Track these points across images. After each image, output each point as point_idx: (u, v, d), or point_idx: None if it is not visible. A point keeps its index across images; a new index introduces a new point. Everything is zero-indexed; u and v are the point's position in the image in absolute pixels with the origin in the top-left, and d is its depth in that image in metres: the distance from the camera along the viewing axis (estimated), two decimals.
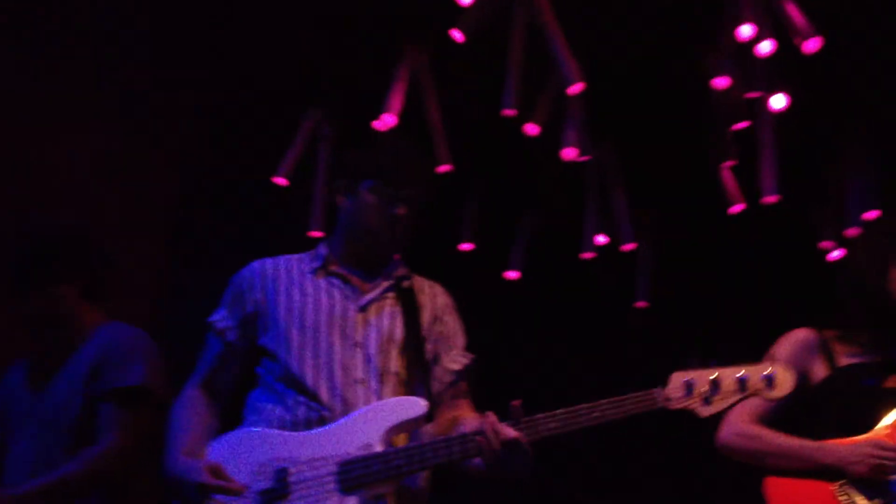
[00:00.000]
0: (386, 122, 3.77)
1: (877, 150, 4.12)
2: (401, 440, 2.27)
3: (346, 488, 2.12)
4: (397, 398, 2.27)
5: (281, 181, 4.08)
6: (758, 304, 4.31)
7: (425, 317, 2.43)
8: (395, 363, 2.34)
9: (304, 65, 3.94)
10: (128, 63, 3.91)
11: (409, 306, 2.41)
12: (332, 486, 2.12)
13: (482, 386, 2.49)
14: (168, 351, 2.82)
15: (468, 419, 2.30)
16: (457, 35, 3.50)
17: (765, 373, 2.09)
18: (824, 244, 4.32)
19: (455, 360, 2.45)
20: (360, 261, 2.43)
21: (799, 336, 2.73)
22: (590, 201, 4.40)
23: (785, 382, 2.11)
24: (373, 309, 2.39)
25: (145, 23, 3.86)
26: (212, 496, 2.14)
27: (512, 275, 4.66)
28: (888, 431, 2.56)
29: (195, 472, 2.17)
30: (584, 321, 4.69)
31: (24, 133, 3.66)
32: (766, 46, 3.47)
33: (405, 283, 2.44)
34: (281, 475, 2.16)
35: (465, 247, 4.59)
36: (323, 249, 2.46)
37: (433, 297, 2.49)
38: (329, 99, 4.11)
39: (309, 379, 2.27)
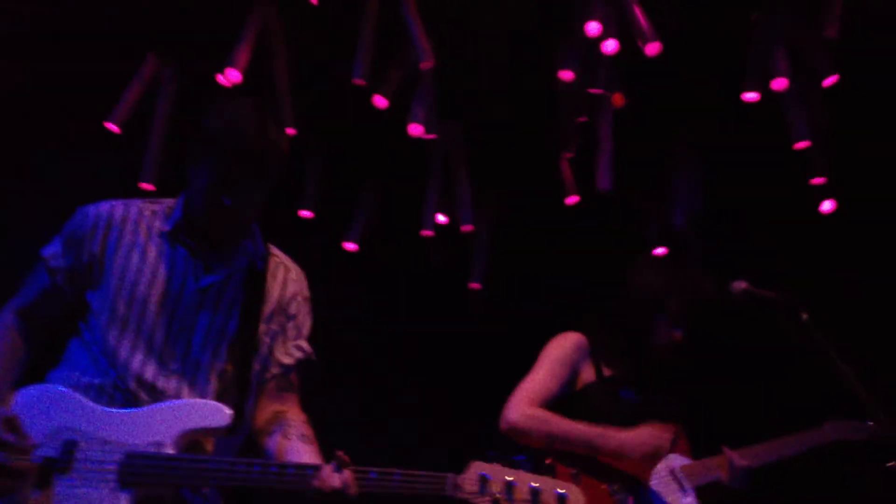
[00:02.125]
0: (230, 77, 3.66)
1: (704, 150, 4.34)
2: (207, 444, 2.20)
3: (123, 482, 2.06)
4: (202, 402, 2.19)
5: (113, 127, 3.89)
6: (582, 291, 4.46)
7: (267, 307, 2.33)
8: (220, 357, 2.25)
9: (151, 8, 3.76)
10: None
11: (253, 295, 2.31)
12: (111, 475, 2.07)
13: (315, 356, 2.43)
14: None
15: (291, 452, 2.20)
16: None
17: (559, 490, 2.00)
18: (651, 236, 4.53)
19: (289, 352, 2.37)
20: (208, 234, 2.29)
21: (573, 338, 2.94)
22: (432, 180, 4.43)
23: None
24: (212, 292, 2.28)
25: None
26: None
27: (350, 246, 4.64)
28: (653, 430, 2.77)
29: None
30: (418, 298, 4.73)
31: None
32: (610, 45, 3.59)
33: (258, 267, 2.33)
34: (69, 447, 2.10)
35: (305, 214, 4.53)
36: (178, 212, 2.30)
37: (283, 285, 2.39)
38: (173, 46, 3.95)
39: (122, 357, 2.19)
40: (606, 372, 2.93)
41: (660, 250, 4.48)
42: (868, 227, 4.25)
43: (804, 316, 2.54)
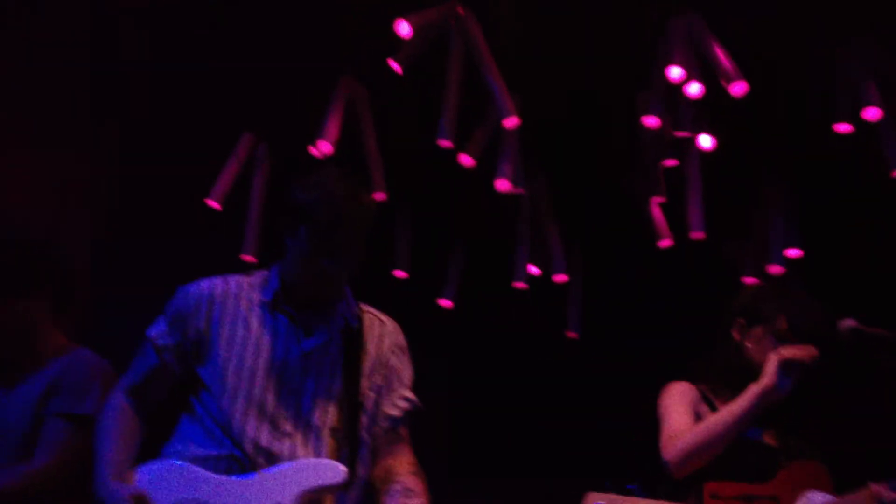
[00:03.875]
0: (322, 148, 3.78)
1: (798, 190, 4.27)
2: (327, 501, 2.24)
3: None
4: (317, 461, 2.23)
5: (214, 204, 4.05)
6: (682, 337, 4.40)
7: (368, 364, 2.39)
8: (330, 417, 2.30)
9: (242, 88, 3.93)
10: (63, 78, 3.86)
11: (353, 354, 2.37)
12: None
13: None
14: None
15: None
16: (395, 65, 3.54)
17: None
18: (747, 280, 4.45)
19: (395, 404, 2.42)
20: (308, 300, 2.38)
21: (683, 387, 2.83)
22: (522, 233, 4.46)
23: None
24: (315, 354, 2.34)
25: (86, 36, 3.80)
26: None
27: (445, 303, 4.69)
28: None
29: (119, 501, 2.17)
30: (515, 349, 4.75)
31: None
32: (694, 88, 3.58)
33: (354, 325, 2.40)
34: None
35: (400, 274, 4.61)
36: (274, 282, 2.39)
37: (380, 339, 2.45)
38: (265, 123, 4.11)
39: (237, 426, 2.25)
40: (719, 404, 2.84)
41: None
42: None
43: None
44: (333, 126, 3.76)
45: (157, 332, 2.39)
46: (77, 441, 2.65)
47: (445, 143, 3.66)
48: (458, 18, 3.59)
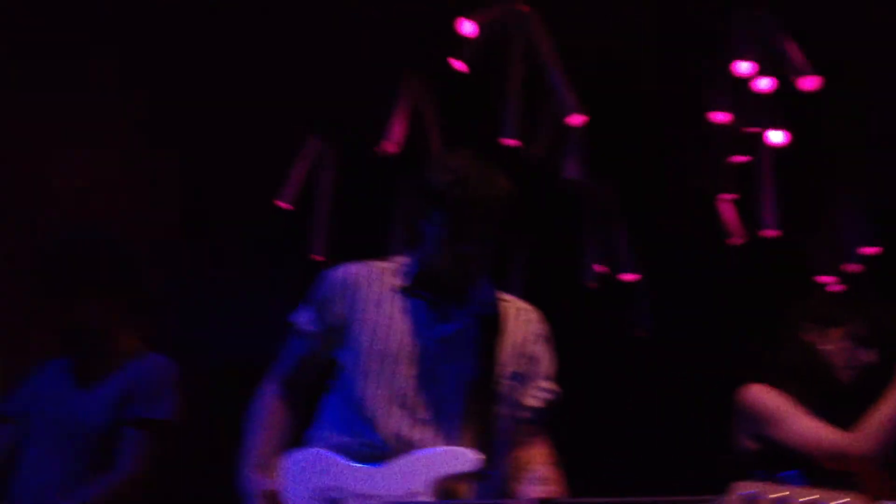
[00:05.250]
0: (387, 149, 3.81)
1: (874, 185, 4.14)
2: (463, 489, 2.23)
3: None
4: (452, 449, 2.23)
5: (284, 205, 4.12)
6: (755, 336, 4.32)
7: (507, 351, 2.35)
8: (468, 404, 2.28)
9: (306, 90, 3.98)
10: (132, 85, 3.97)
11: (491, 339, 2.33)
12: None
13: None
14: None
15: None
16: (458, 65, 3.55)
17: (840, 501, 1.80)
18: (823, 278, 4.33)
19: (534, 395, 2.38)
20: (445, 285, 2.35)
21: (764, 388, 2.77)
22: (588, 232, 4.42)
23: None
24: (452, 340, 2.32)
25: (151, 46, 3.90)
26: None
27: None
28: None
29: (253, 497, 2.24)
30: (584, 349, 4.70)
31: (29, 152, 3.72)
32: (764, 83, 3.51)
33: (491, 311, 2.37)
34: None
35: None
36: (412, 267, 2.38)
37: (521, 326, 2.40)
38: (331, 125, 4.16)
39: (375, 412, 2.26)
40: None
41: (835, 289, 4.29)
42: None
43: None
44: (399, 126, 3.79)
45: (302, 319, 2.42)
46: (155, 447, 2.73)
47: (510, 142, 3.66)
48: (521, 15, 3.59)
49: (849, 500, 1.80)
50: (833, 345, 2.75)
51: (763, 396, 2.77)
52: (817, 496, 1.81)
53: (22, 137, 3.70)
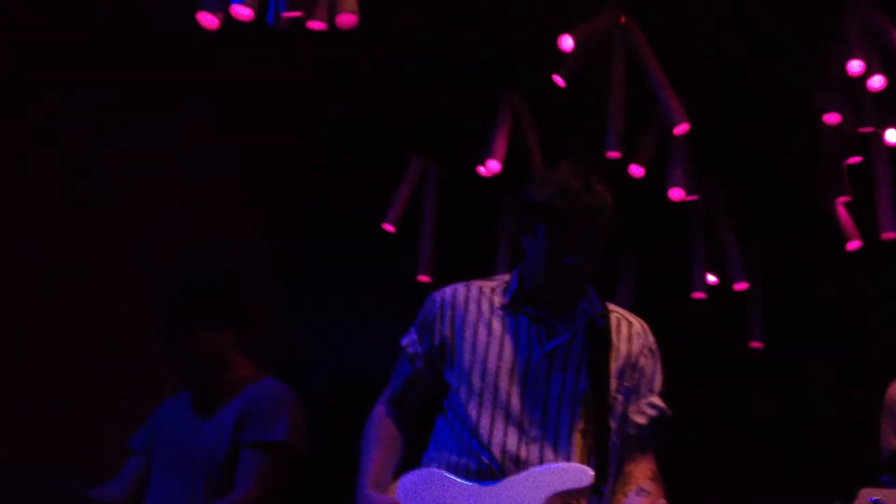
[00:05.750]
0: (490, 167, 3.82)
1: None
2: None
3: None
4: (564, 465, 2.22)
5: (389, 227, 4.17)
6: (877, 343, 4.16)
7: (616, 364, 2.33)
8: (577, 419, 2.27)
9: (408, 109, 4.03)
10: (236, 114, 4.07)
11: (599, 352, 2.31)
12: None
13: None
14: None
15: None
16: (558, 80, 3.54)
17: None
18: None
19: (642, 410, 2.35)
20: (549, 300, 2.35)
21: None
22: (697, 240, 4.34)
23: None
24: (559, 355, 2.32)
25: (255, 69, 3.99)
26: None
27: None
28: None
29: None
30: (697, 361, 4.61)
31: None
32: (877, 81, 3.39)
33: (599, 324, 2.35)
34: None
35: None
36: (514, 283, 2.39)
37: (629, 339, 2.37)
38: (433, 145, 4.20)
39: (484, 430, 2.27)
40: None
41: None
42: None
43: None
44: (501, 143, 3.80)
45: (409, 340, 2.46)
46: (272, 468, 2.77)
47: (614, 154, 3.62)
48: (621, 27, 3.56)
49: None
50: None
51: None
52: None
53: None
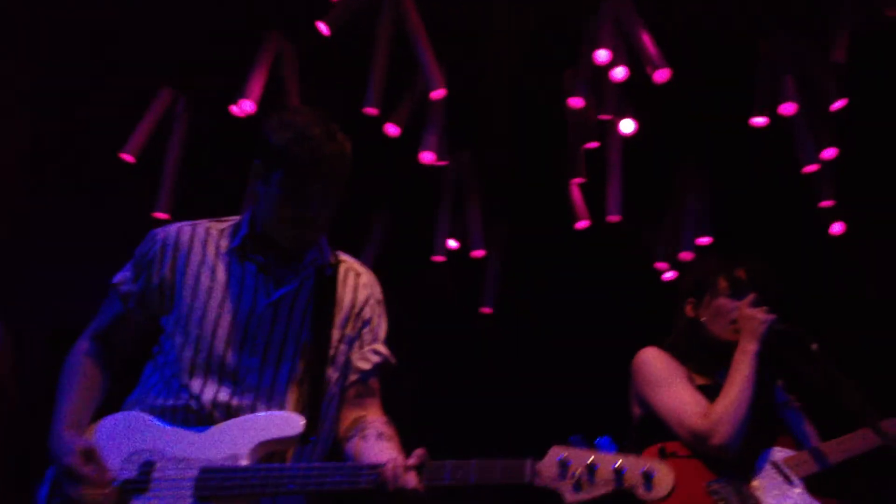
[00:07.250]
0: (244, 107, 3.70)
1: (712, 178, 4.36)
2: (289, 453, 2.19)
3: (200, 496, 2.07)
4: (275, 413, 2.18)
5: (128, 157, 3.93)
6: (596, 316, 4.48)
7: (340, 314, 2.30)
8: (295, 369, 2.22)
9: (161, 40, 3.81)
10: None
11: (324, 303, 2.27)
12: (187, 490, 2.08)
13: None
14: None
15: (368, 452, 2.17)
16: (323, 28, 3.48)
17: (644, 468, 1.88)
18: (659, 265, 4.54)
19: (366, 357, 2.33)
20: (279, 248, 2.27)
21: (657, 352, 2.82)
22: (443, 206, 4.46)
23: (663, 483, 1.88)
24: (284, 304, 2.25)
25: None
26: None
27: None
28: None
29: (69, 454, 2.11)
30: (429, 323, 4.75)
31: None
32: (619, 72, 3.62)
33: (327, 273, 2.30)
34: (146, 468, 2.12)
35: None
36: (244, 227, 2.29)
37: (355, 289, 2.35)
38: (186, 78, 3.99)
39: (197, 377, 2.19)
40: (699, 381, 2.78)
41: (669, 275, 4.51)
42: (877, 247, 4.28)
43: (814, 346, 2.54)
44: (257, 85, 3.68)
45: (122, 277, 2.31)
46: None
47: (371, 111, 3.63)
48: None
49: (653, 466, 1.89)
50: (709, 312, 2.78)
51: (653, 360, 2.77)
52: (623, 462, 1.90)
53: None
